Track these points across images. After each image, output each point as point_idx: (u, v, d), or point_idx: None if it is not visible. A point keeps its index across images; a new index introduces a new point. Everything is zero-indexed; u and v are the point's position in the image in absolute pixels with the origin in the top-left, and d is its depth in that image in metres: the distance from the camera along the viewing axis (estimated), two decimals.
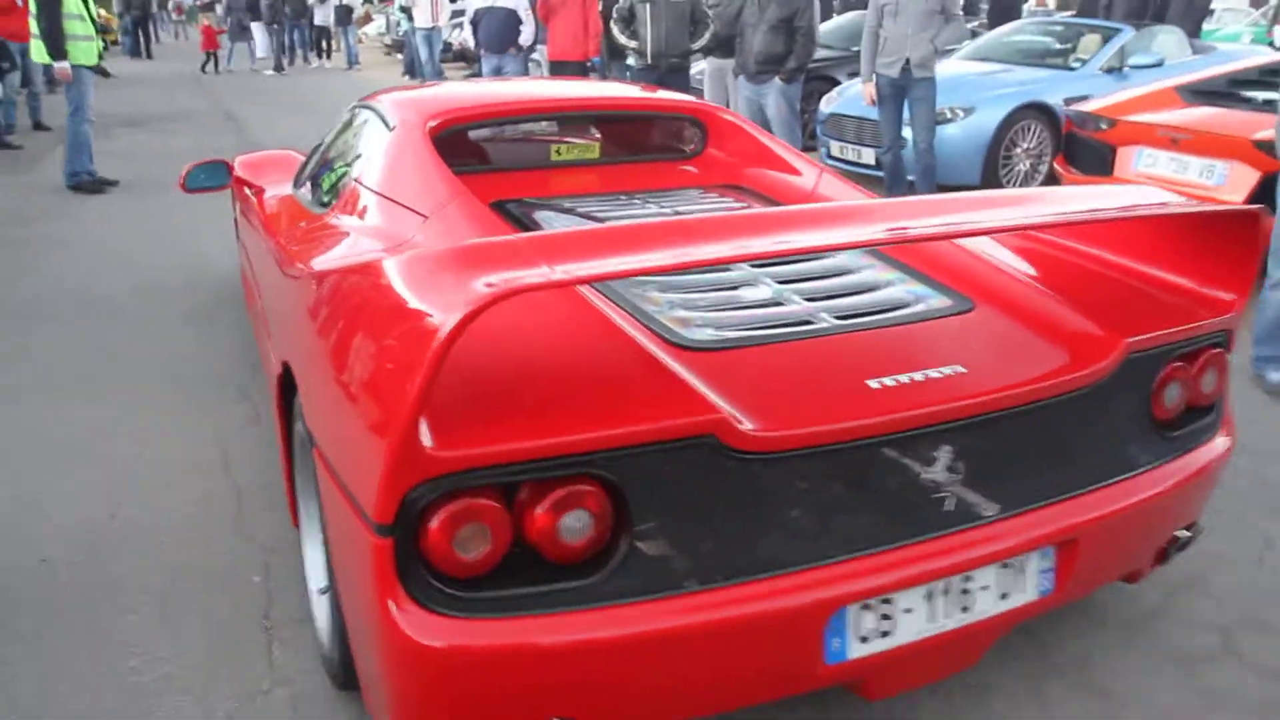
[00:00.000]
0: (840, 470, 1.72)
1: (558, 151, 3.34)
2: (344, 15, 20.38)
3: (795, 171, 3.14)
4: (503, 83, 4.51)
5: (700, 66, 8.04)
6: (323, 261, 2.46)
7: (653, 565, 1.62)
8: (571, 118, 3.50)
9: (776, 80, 7.02)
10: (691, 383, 1.70)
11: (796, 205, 2.57)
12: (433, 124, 2.89)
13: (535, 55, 9.82)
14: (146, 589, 2.58)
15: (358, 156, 3.04)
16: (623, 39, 7.68)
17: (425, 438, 1.48)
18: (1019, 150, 7.45)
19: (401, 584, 1.54)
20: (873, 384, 1.78)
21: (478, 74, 11.09)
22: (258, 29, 22.19)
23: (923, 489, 1.79)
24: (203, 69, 19.09)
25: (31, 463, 3.27)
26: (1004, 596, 1.89)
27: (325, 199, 3.10)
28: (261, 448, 3.32)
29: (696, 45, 7.46)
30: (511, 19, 9.29)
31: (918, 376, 1.81)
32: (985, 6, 14.63)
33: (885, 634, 1.79)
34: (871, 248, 2.36)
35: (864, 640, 1.77)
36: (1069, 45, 8.44)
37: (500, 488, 1.56)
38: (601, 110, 3.48)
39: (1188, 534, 2.24)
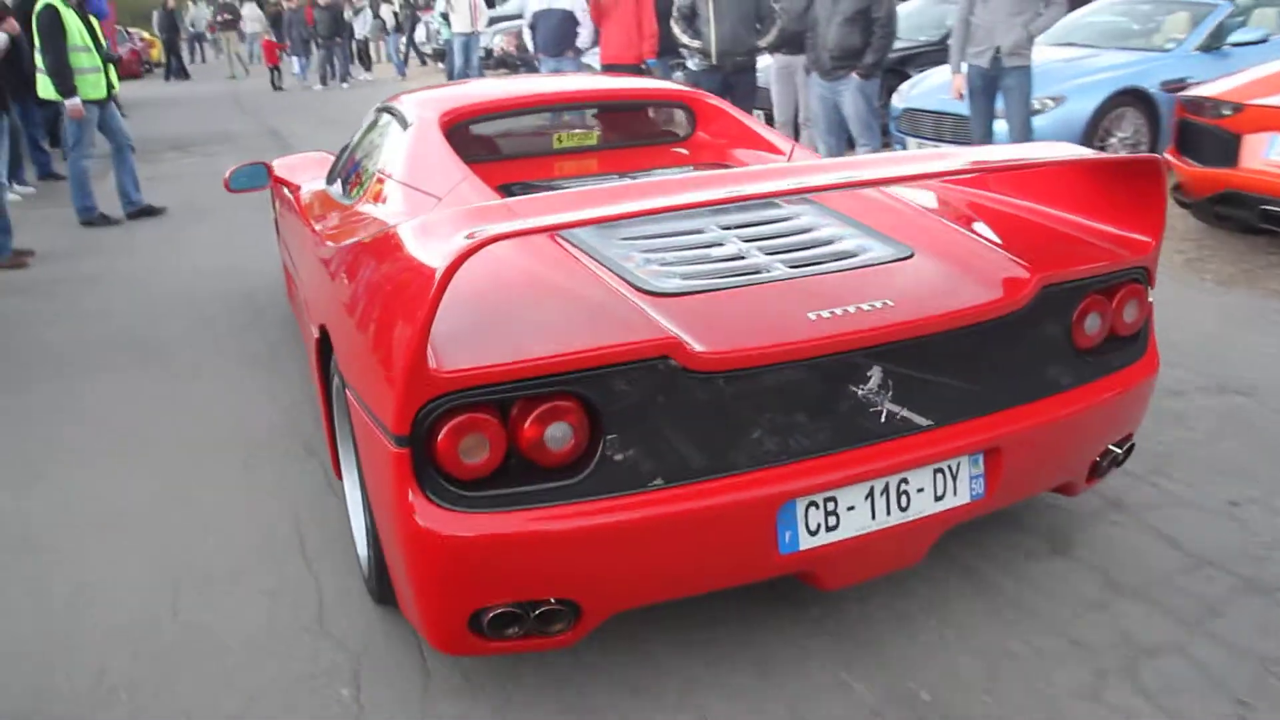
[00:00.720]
0: (781, 386, 2.03)
1: (559, 139, 3.68)
2: (385, 25, 20.25)
3: (775, 149, 3.47)
4: (508, 80, 4.99)
5: (765, 63, 7.54)
6: (349, 238, 2.76)
7: (624, 467, 1.94)
8: (571, 108, 3.84)
9: (853, 76, 6.51)
10: (652, 316, 2.02)
11: (734, 168, 3.08)
12: (444, 118, 3.26)
13: (585, 58, 9.41)
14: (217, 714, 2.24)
15: (380, 152, 3.40)
16: (684, 38, 7.26)
17: (432, 363, 1.82)
18: (1114, 140, 6.91)
19: (417, 485, 1.87)
20: (810, 315, 2.08)
21: None
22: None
23: (859, 403, 2.09)
24: (273, 85, 19.03)
25: (85, 543, 2.96)
26: (939, 498, 2.19)
27: (353, 191, 3.43)
28: (340, 522, 2.95)
29: (763, 43, 6.99)
30: (568, 21, 8.92)
31: (850, 309, 2.10)
32: None
33: (832, 528, 2.09)
34: (834, 210, 2.70)
35: (813, 533, 2.07)
36: (1157, 24, 7.87)
37: (496, 404, 1.87)
38: (598, 101, 3.84)
39: (1118, 450, 2.53)
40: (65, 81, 6.83)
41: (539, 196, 2.47)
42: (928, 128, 7.48)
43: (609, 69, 8.57)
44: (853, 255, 2.42)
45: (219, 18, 22.07)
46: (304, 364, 4.18)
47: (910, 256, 2.40)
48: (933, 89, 7.51)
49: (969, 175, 2.83)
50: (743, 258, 2.41)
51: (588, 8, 8.96)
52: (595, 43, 9.18)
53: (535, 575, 1.97)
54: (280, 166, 4.64)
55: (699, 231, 2.60)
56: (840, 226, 2.63)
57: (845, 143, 6.86)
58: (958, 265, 2.37)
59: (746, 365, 2.00)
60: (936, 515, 2.22)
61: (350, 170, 3.71)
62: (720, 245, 2.50)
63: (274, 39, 20.05)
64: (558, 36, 8.98)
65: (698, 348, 1.96)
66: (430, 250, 1.97)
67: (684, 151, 3.69)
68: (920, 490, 2.18)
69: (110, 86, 7.25)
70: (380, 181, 3.22)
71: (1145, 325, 2.55)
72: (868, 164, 2.37)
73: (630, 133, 3.93)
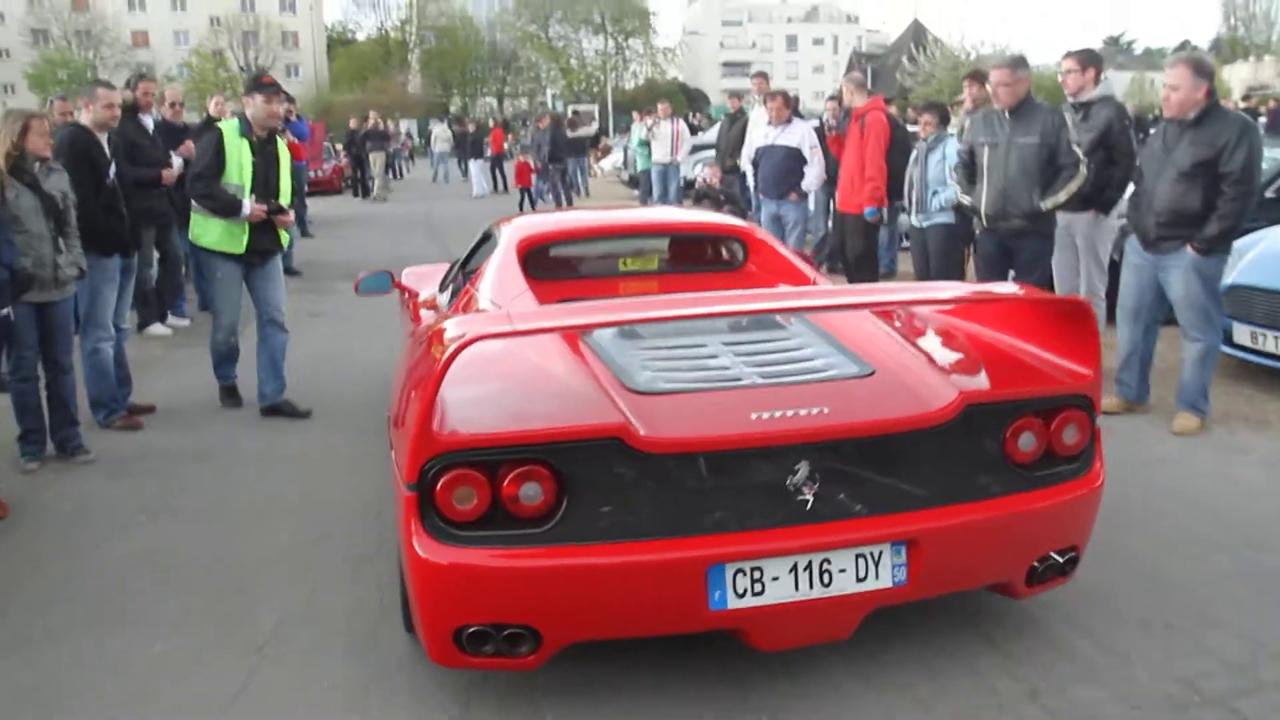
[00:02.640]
0: (716, 469, 2.54)
1: (624, 263, 4.36)
2: (575, 146, 19.92)
3: (808, 281, 4.05)
4: (590, 211, 5.59)
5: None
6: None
7: (583, 523, 2.49)
8: (636, 238, 4.49)
9: (1187, 251, 4.89)
10: (620, 407, 2.56)
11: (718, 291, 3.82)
12: (523, 242, 4.02)
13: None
14: None
15: (476, 266, 4.18)
16: (961, 195, 5.94)
17: (439, 429, 2.46)
18: None
19: (420, 522, 2.48)
20: (753, 415, 2.57)
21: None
22: (475, 166, 22.39)
23: (787, 490, 2.56)
24: (520, 207, 18.09)
25: None
26: (861, 579, 2.59)
27: (452, 298, 4.25)
28: None
29: (1046, 203, 5.46)
30: (791, 159, 7.81)
31: (789, 413, 2.58)
32: None
33: (758, 593, 2.53)
34: (824, 332, 3.20)
35: (740, 595, 2.52)
36: None
37: (485, 464, 2.45)
38: (660, 231, 4.59)
39: (1059, 559, 2.86)
40: (219, 204, 5.30)
41: (536, 309, 3.31)
42: (1262, 311, 5.74)
43: (839, 217, 7.39)
44: (819, 371, 2.89)
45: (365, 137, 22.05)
46: None
47: (871, 374, 2.84)
48: (1266, 258, 5.82)
49: (924, 306, 3.44)
50: (727, 368, 2.92)
51: (817, 144, 7.83)
52: (824, 183, 8.03)
53: (504, 601, 2.50)
54: (407, 275, 5.31)
55: (702, 346, 3.13)
56: (822, 346, 3.09)
57: (1154, 331, 5.25)
58: (902, 382, 2.79)
59: (684, 450, 2.51)
60: (858, 595, 2.59)
61: (453, 281, 4.54)
62: (715, 358, 3.02)
63: (529, 160, 19.26)
64: (780, 176, 7.87)
65: (643, 432, 2.48)
66: (443, 343, 2.58)
67: (734, 278, 4.25)
68: (842, 570, 2.57)
69: (252, 244, 5.43)
70: (467, 292, 3.96)
71: (1089, 446, 2.88)
72: (846, 293, 3.52)
73: (688, 260, 4.58)
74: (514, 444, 2.45)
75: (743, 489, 2.54)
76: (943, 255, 7.17)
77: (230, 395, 5.82)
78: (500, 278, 3.78)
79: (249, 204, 5.31)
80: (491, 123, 25.39)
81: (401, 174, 27.92)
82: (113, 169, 5.41)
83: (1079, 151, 5.48)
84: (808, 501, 2.54)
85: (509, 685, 2.86)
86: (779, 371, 2.87)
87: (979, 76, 8.78)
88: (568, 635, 2.57)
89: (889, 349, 3.03)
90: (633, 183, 19.19)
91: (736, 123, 11.74)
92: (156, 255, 7.67)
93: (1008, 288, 3.12)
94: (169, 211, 7.66)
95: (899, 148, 7.76)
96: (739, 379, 2.81)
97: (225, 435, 5.27)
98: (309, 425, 5.40)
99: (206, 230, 5.44)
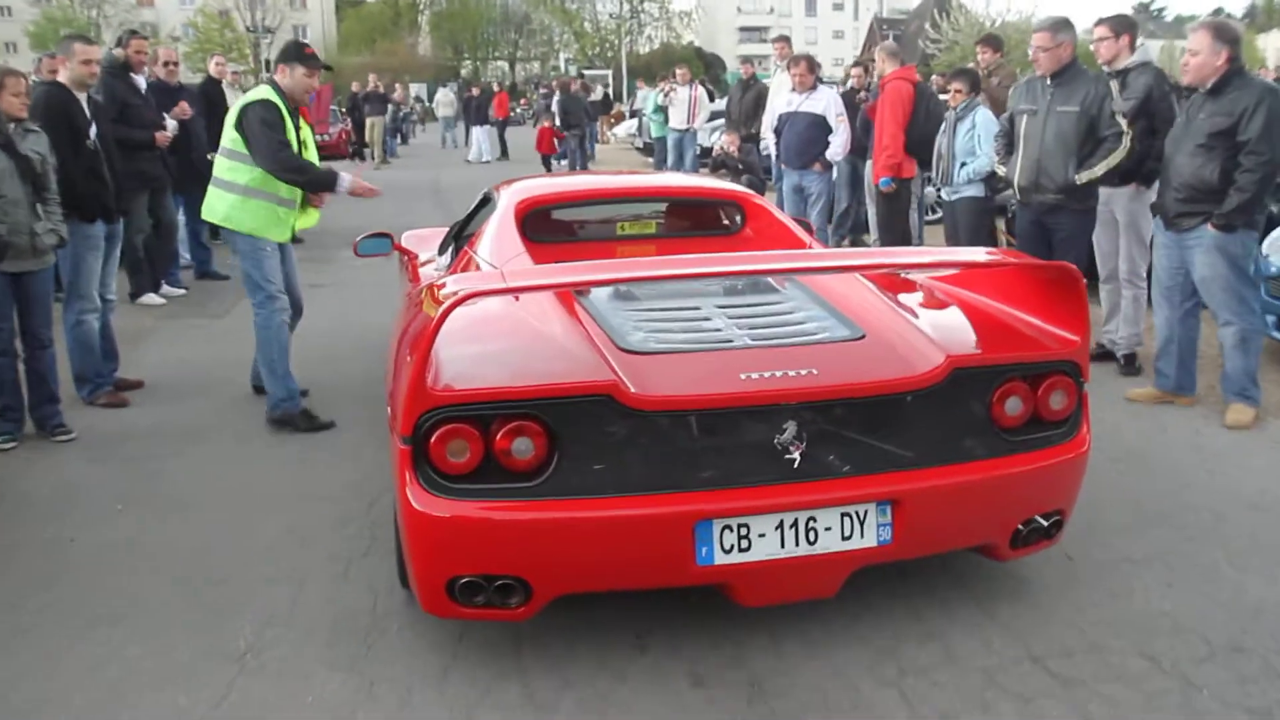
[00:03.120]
0: (705, 427, 2.62)
1: (622, 227, 4.59)
2: (590, 112, 19.49)
3: (803, 245, 4.11)
4: (589, 175, 5.94)
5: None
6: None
7: (573, 477, 2.55)
8: (634, 201, 4.65)
9: (1206, 229, 4.60)
10: (611, 365, 2.63)
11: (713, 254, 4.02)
12: (521, 204, 4.11)
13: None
14: None
15: (474, 229, 4.35)
16: (997, 165, 5.64)
17: (432, 384, 2.51)
18: None
19: (414, 474, 2.54)
20: (742, 376, 2.63)
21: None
22: (479, 131, 21.95)
23: (774, 448, 2.62)
24: (547, 167, 18.12)
25: None
26: (846, 538, 2.66)
27: (450, 260, 4.38)
28: None
29: (1081, 176, 5.15)
30: (816, 127, 7.49)
31: (778, 374, 2.64)
32: None
33: (744, 550, 2.60)
34: (818, 296, 3.24)
35: (726, 551, 2.59)
36: None
37: (478, 419, 2.52)
38: (658, 195, 4.74)
39: (1044, 522, 2.92)
40: (313, 177, 4.63)
41: (524, 268, 3.49)
42: None
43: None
44: (810, 334, 2.95)
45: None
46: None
47: (861, 338, 2.90)
48: None
49: (922, 271, 3.54)
50: (719, 330, 2.98)
51: (843, 111, 7.51)
52: (849, 152, 7.71)
53: (495, 553, 2.57)
54: (407, 237, 5.27)
55: (696, 309, 3.18)
56: (815, 310, 3.15)
57: (1195, 315, 4.95)
58: (891, 345, 2.85)
59: (672, 408, 2.57)
60: (844, 553, 2.67)
61: (452, 243, 4.58)
62: (708, 320, 3.07)
63: (552, 125, 18.79)
64: (803, 145, 7.55)
65: (633, 390, 2.54)
66: (438, 301, 2.76)
67: (732, 243, 4.37)
68: (828, 529, 2.65)
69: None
70: (466, 253, 4.03)
71: (1076, 412, 2.94)
72: (837, 256, 4.03)
73: (686, 224, 4.70)
74: (506, 399, 2.52)
75: (731, 447, 2.62)
76: (972, 230, 6.86)
77: (300, 419, 4.78)
78: (498, 240, 3.87)
79: (348, 177, 4.65)
80: (495, 87, 24.67)
81: (407, 139, 27.45)
82: (94, 129, 5.14)
83: (1123, 122, 5.17)
84: (795, 460, 2.61)
85: (514, 699, 2.66)
86: (770, 334, 2.93)
87: (992, 41, 8.48)
88: (557, 587, 2.64)
89: (880, 313, 3.07)
90: (647, 150, 18.84)
91: (749, 90, 11.50)
92: (150, 221, 7.43)
93: (993, 253, 3.24)
94: (163, 175, 7.41)
95: (930, 118, 7.50)
96: (730, 340, 2.86)
97: (215, 414, 5.03)
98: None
99: (243, 214, 4.57)
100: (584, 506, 2.54)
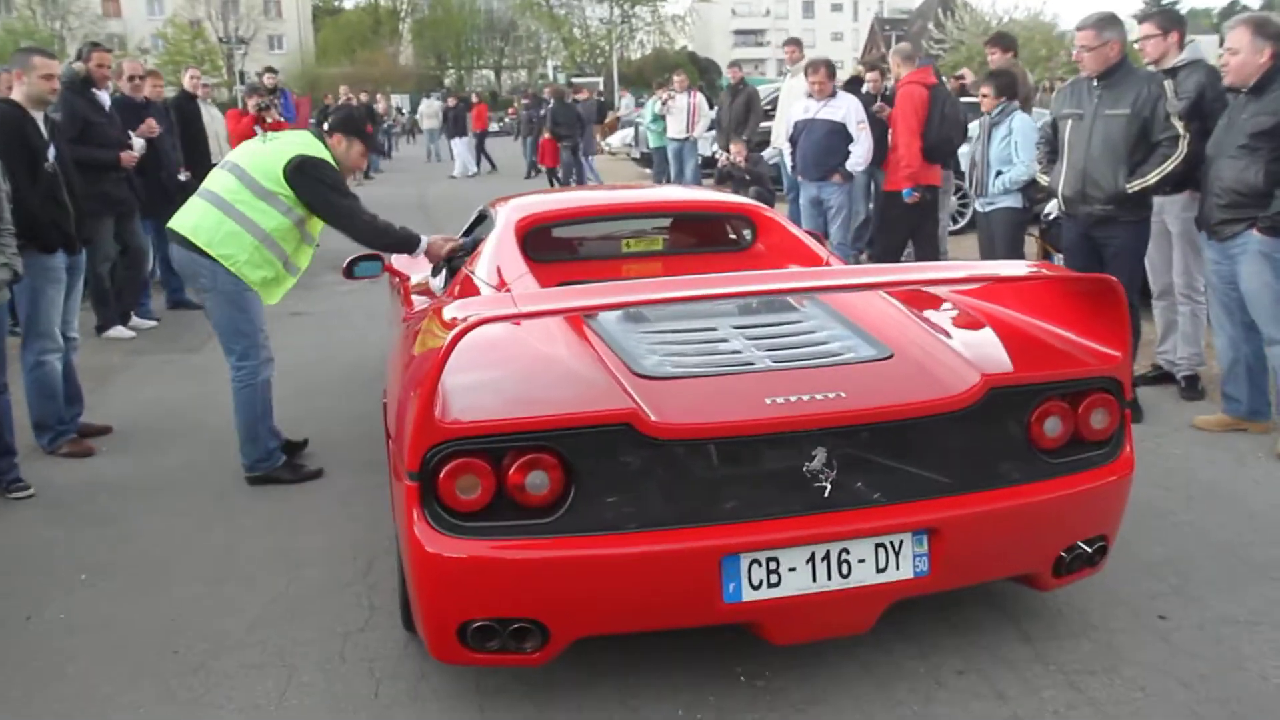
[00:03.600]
0: (730, 456, 2.57)
1: (627, 244, 4.45)
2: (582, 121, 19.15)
3: (820, 262, 4.03)
4: (591, 190, 5.71)
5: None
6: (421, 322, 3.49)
7: (591, 512, 2.48)
8: (639, 217, 4.66)
9: (1252, 234, 4.42)
10: (628, 392, 2.55)
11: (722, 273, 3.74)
12: (522, 222, 4.03)
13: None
14: None
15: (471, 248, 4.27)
16: (1040, 174, 5.40)
17: (440, 415, 2.43)
18: None
19: (422, 512, 2.46)
20: (767, 400, 2.56)
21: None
22: (459, 144, 21.69)
23: (803, 477, 2.55)
24: (551, 181, 17.64)
25: None
26: (880, 570, 2.58)
27: (445, 282, 4.24)
28: None
29: (1133, 184, 4.86)
30: (835, 136, 7.26)
31: (805, 398, 2.57)
32: None
33: (774, 585, 2.52)
34: (839, 315, 3.16)
35: (755, 587, 2.52)
36: None
37: (489, 452, 2.44)
38: (665, 211, 4.73)
39: (1087, 549, 2.84)
40: (397, 239, 4.40)
41: (539, 291, 3.39)
42: None
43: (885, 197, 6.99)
44: (835, 355, 2.87)
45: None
46: None
47: (889, 357, 2.82)
48: None
49: (950, 286, 3.41)
50: (738, 352, 2.90)
51: (864, 119, 7.28)
52: (869, 163, 7.48)
53: (510, 595, 2.48)
54: (398, 259, 4.99)
55: (712, 329, 3.11)
56: (837, 329, 3.08)
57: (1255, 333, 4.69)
58: (922, 365, 2.78)
59: (695, 436, 2.50)
60: (879, 586, 2.59)
61: (446, 264, 4.38)
62: (725, 341, 3.00)
63: (552, 136, 18.26)
64: (821, 154, 7.31)
65: (653, 419, 2.45)
66: (444, 328, 2.75)
67: (743, 260, 4.25)
68: (861, 560, 2.57)
69: None
70: (463, 274, 3.95)
71: (1118, 432, 2.86)
72: (861, 273, 3.71)
73: (694, 240, 4.64)
74: (519, 431, 2.45)
75: (757, 477, 2.57)
76: (1009, 242, 6.61)
77: (294, 449, 4.69)
78: (499, 260, 3.80)
79: (425, 238, 4.39)
80: (474, 97, 24.35)
81: (389, 153, 27.20)
82: (52, 151, 4.85)
83: (1179, 125, 4.92)
84: (825, 489, 2.55)
85: None
86: (792, 355, 2.87)
87: (1003, 41, 8.25)
88: (576, 630, 2.57)
89: (907, 331, 3.01)
90: (645, 160, 18.60)
91: (738, 95, 11.42)
92: (117, 248, 7.15)
93: (1028, 266, 3.13)
94: (129, 198, 7.13)
95: (946, 121, 7.39)
96: (751, 363, 2.80)
97: (190, 463, 4.74)
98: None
99: (251, 261, 4.17)
100: (603, 543, 2.47)
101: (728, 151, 10.07)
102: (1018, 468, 2.72)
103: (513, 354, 2.86)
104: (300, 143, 4.27)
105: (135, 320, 7.53)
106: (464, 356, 2.47)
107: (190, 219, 4.26)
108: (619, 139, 24.57)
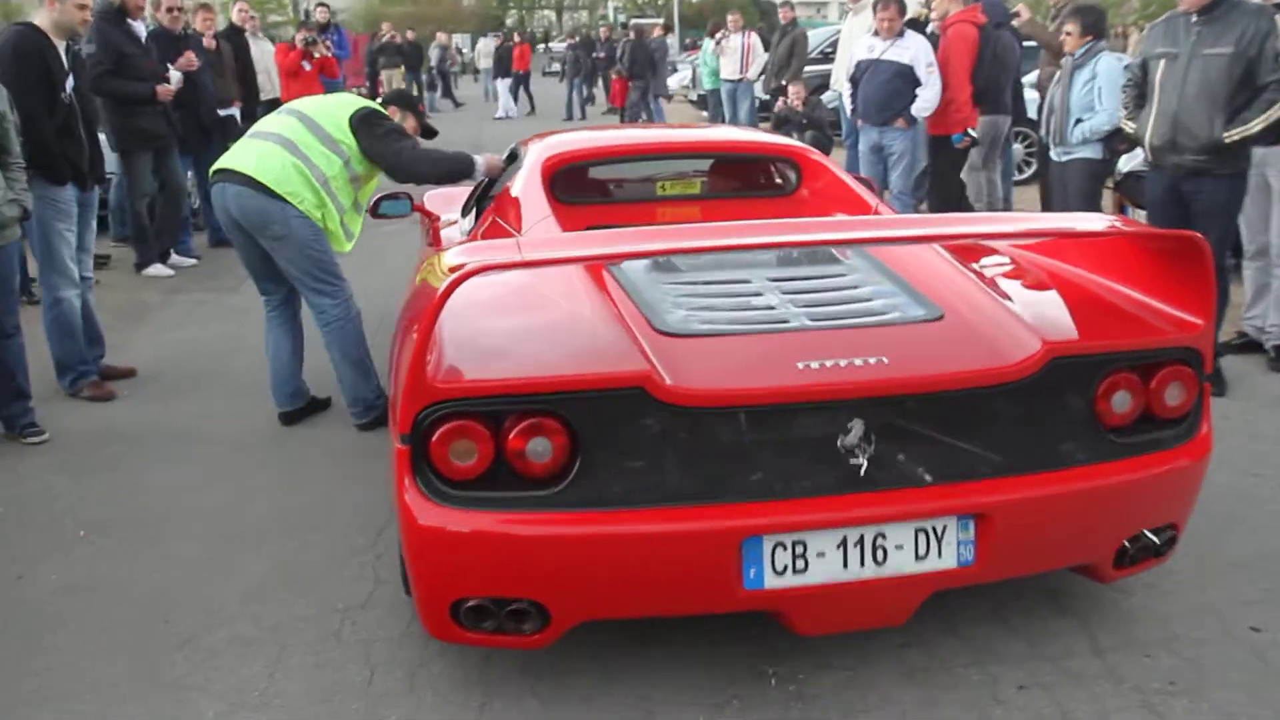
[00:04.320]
0: (755, 426, 2.23)
1: (663, 187, 4.08)
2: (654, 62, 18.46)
3: (870, 210, 3.65)
4: (627, 129, 5.45)
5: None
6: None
7: (598, 485, 2.20)
8: (677, 158, 4.31)
9: None
10: (644, 350, 2.25)
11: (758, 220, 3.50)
12: (549, 161, 3.69)
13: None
14: None
15: (499, 189, 3.97)
16: (1124, 121, 4.88)
17: (435, 374, 2.17)
18: None
19: (413, 479, 2.21)
20: (799, 365, 2.24)
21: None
22: (502, 85, 21.16)
23: (838, 453, 2.25)
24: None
25: None
26: (920, 558, 2.27)
27: (473, 224, 4.04)
28: None
29: (1232, 134, 4.31)
30: (901, 79, 6.73)
31: (841, 363, 2.24)
32: None
33: (800, 571, 2.23)
34: (886, 268, 2.78)
35: (779, 573, 2.23)
36: None
37: (488, 416, 2.17)
38: (704, 151, 4.34)
39: (1155, 539, 2.51)
40: (451, 166, 4.23)
41: (551, 237, 3.13)
42: None
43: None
44: (879, 313, 2.50)
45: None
46: None
47: (939, 319, 2.46)
48: None
49: (1013, 241, 3.03)
50: (772, 308, 2.54)
51: (934, 62, 6.76)
52: (936, 108, 6.96)
53: (507, 573, 2.22)
54: (430, 198, 4.86)
55: (745, 281, 2.75)
56: (883, 284, 2.70)
57: None
58: (976, 329, 2.43)
59: (716, 403, 2.19)
60: (918, 575, 2.28)
61: (475, 205, 4.24)
62: (759, 295, 2.64)
63: (627, 75, 17.17)
64: (886, 98, 6.80)
65: (669, 382, 2.15)
66: (441, 275, 2.40)
67: (786, 205, 3.91)
68: (899, 547, 2.26)
69: None
70: (488, 216, 3.78)
71: (1195, 409, 2.51)
72: (915, 224, 3.06)
73: (734, 184, 4.26)
74: (520, 392, 2.18)
75: (786, 450, 2.27)
76: (1084, 197, 6.07)
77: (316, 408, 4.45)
78: (523, 201, 3.54)
79: (479, 158, 4.25)
80: (516, 38, 23.49)
81: (450, 93, 26.59)
82: (70, 82, 4.56)
83: None
84: (861, 466, 2.27)
85: None
86: (832, 313, 2.54)
87: None
88: (579, 613, 2.32)
89: (962, 289, 2.67)
90: (701, 102, 17.98)
91: (785, 37, 11.26)
92: (155, 184, 6.92)
93: (1102, 220, 2.72)
94: (167, 133, 6.88)
95: (996, 62, 7.08)
96: (785, 320, 2.47)
97: (212, 412, 4.48)
98: (320, 416, 4.43)
99: (322, 207, 4.00)
100: (611, 520, 2.20)
101: (772, 96, 9.65)
102: (1080, 447, 2.39)
103: (520, 306, 2.57)
104: (363, 102, 4.22)
105: (175, 258, 7.33)
106: (464, 307, 2.27)
107: (250, 159, 3.99)
108: (676, 81, 23.85)
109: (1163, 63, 4.63)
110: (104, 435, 4.24)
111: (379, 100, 4.35)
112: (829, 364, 2.24)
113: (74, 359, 4.65)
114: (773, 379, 2.23)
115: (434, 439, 2.16)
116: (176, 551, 3.26)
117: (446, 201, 4.84)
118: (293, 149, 3.96)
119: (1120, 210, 6.36)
